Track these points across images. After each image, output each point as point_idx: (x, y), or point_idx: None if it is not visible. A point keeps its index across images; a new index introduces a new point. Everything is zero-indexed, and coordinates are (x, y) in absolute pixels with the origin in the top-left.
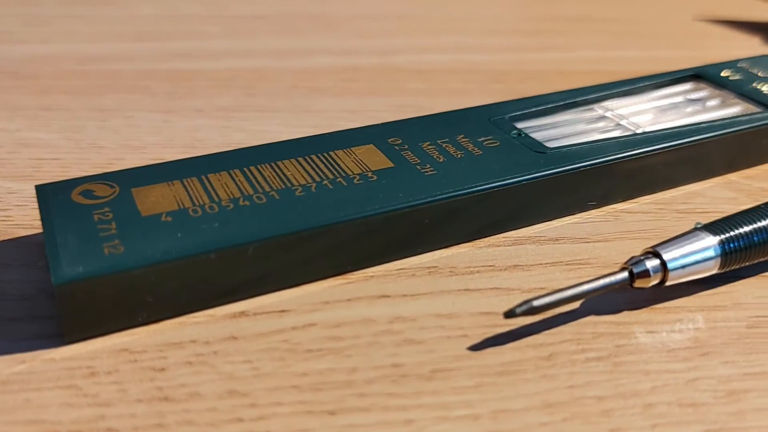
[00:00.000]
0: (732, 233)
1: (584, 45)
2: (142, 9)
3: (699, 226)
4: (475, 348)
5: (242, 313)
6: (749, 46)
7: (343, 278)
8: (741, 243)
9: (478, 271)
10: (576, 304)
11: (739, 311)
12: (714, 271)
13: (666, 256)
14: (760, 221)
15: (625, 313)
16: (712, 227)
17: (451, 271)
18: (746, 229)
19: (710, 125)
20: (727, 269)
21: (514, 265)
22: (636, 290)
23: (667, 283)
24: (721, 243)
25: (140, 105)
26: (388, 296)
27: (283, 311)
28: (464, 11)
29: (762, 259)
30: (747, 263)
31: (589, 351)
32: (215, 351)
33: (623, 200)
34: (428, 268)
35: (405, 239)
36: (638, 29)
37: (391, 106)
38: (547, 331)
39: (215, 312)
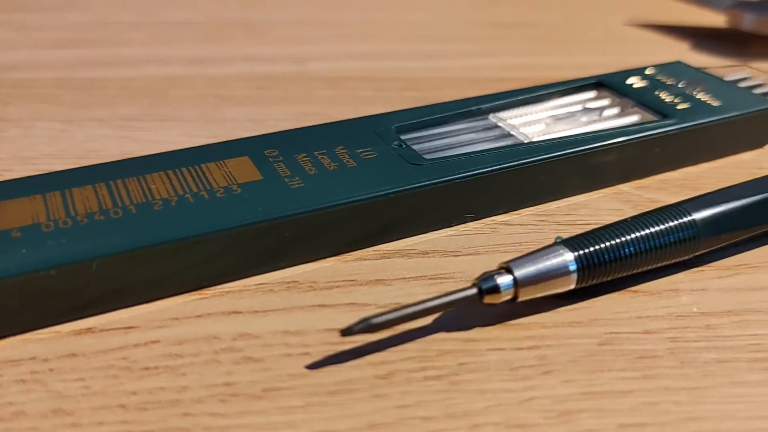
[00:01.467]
0: (590, 249)
1: (509, 51)
2: (68, 16)
3: (559, 240)
4: (313, 366)
5: (88, 330)
6: (676, 51)
7: (198, 294)
8: (598, 259)
9: (338, 286)
10: (428, 320)
11: (594, 327)
12: (571, 287)
13: (518, 272)
14: (620, 236)
15: (477, 329)
16: (571, 242)
17: (310, 286)
18: (605, 244)
19: (598, 135)
20: (586, 285)
21: (377, 280)
22: (490, 306)
23: (520, 299)
24: (578, 259)
25: (43, 114)
26: (240, 312)
27: (129, 328)
28: (391, 17)
29: (623, 275)
30: (607, 279)
31: (430, 369)
32: (51, 368)
33: (505, 212)
34: (288, 283)
35: (265, 254)
36: (568, 35)
37: (295, 115)
38: (392, 349)
39: (62, 328)
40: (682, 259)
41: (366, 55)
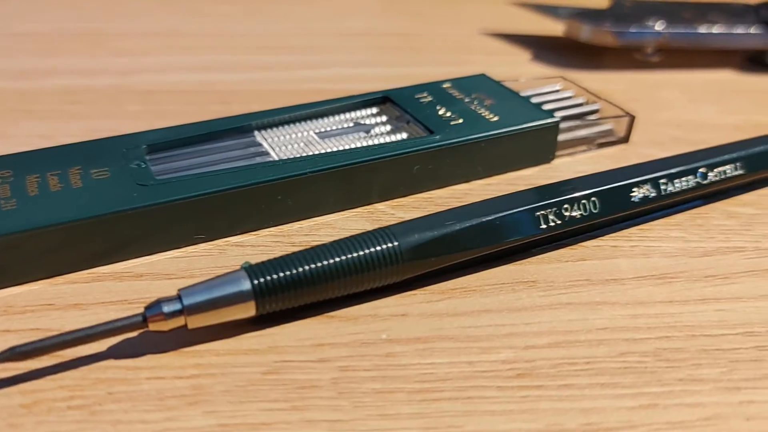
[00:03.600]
0: (272, 275)
1: (345, 62)
2: None
3: (245, 266)
4: None
5: None
6: (519, 60)
7: None
8: (279, 285)
9: (32, 311)
10: (101, 346)
11: (269, 355)
12: (252, 313)
13: (186, 300)
14: (310, 262)
15: (148, 357)
16: (256, 268)
17: (5, 311)
18: (291, 271)
19: (352, 152)
20: (273, 310)
21: (75, 304)
22: (162, 333)
23: (192, 327)
24: (257, 285)
25: None
26: None
27: None
28: (242, 28)
29: (316, 300)
30: (296, 304)
31: (77, 398)
32: None
33: (243, 232)
34: None
35: None
36: (418, 44)
37: (86, 131)
38: (51, 377)
39: None
40: (385, 283)
41: (192, 68)
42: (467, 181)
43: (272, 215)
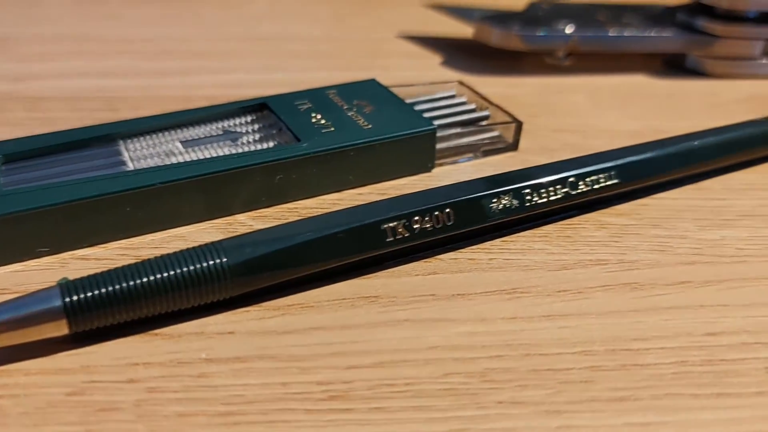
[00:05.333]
0: (85, 293)
1: (249, 67)
2: None
3: (62, 282)
4: None
5: None
6: (430, 64)
7: None
8: (93, 301)
9: None
10: None
11: (78, 375)
12: (65, 332)
13: None
14: (131, 278)
15: None
16: (71, 284)
17: None
18: (109, 288)
19: (209, 162)
20: (87, 328)
21: None
22: None
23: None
24: (69, 303)
25: None
26: None
27: None
28: (149, 32)
29: (135, 317)
30: (111, 322)
31: None
32: None
33: (91, 245)
34: None
35: None
36: (329, 48)
37: None
38: None
39: None
40: (212, 300)
41: (91, 74)
42: (338, 190)
43: (122, 227)
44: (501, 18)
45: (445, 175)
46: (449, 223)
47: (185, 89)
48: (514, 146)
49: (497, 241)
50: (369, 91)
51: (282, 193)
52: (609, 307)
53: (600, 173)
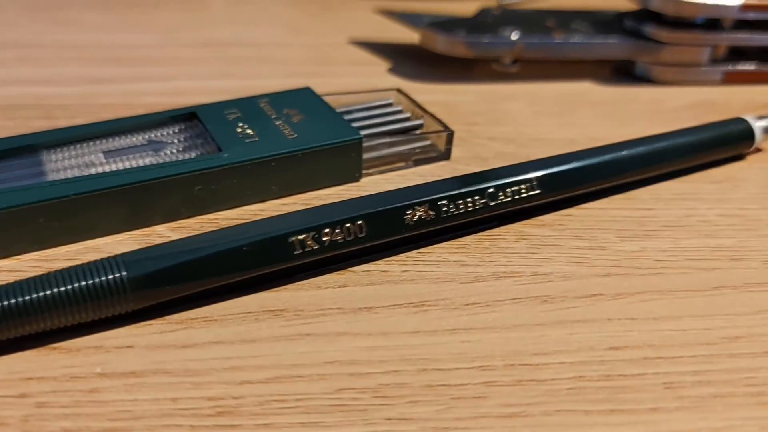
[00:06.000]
0: None
1: (194, 74)
2: None
3: None
4: None
5: None
6: (377, 71)
7: None
8: None
9: None
10: None
11: None
12: None
13: None
14: (16, 295)
15: None
16: None
17: None
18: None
19: (125, 173)
20: None
21: None
22: None
23: None
24: None
25: None
26: None
27: None
28: (98, 38)
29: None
30: (6, 336)
31: None
32: None
33: (6, 257)
34: None
35: None
36: (278, 55)
37: None
38: None
39: None
40: (112, 314)
41: (33, 81)
42: (261, 201)
43: (36, 239)
44: (447, 24)
45: (373, 184)
46: (361, 236)
47: (127, 97)
48: (446, 155)
49: (413, 253)
50: (302, 100)
51: (203, 205)
52: (515, 320)
53: (521, 184)
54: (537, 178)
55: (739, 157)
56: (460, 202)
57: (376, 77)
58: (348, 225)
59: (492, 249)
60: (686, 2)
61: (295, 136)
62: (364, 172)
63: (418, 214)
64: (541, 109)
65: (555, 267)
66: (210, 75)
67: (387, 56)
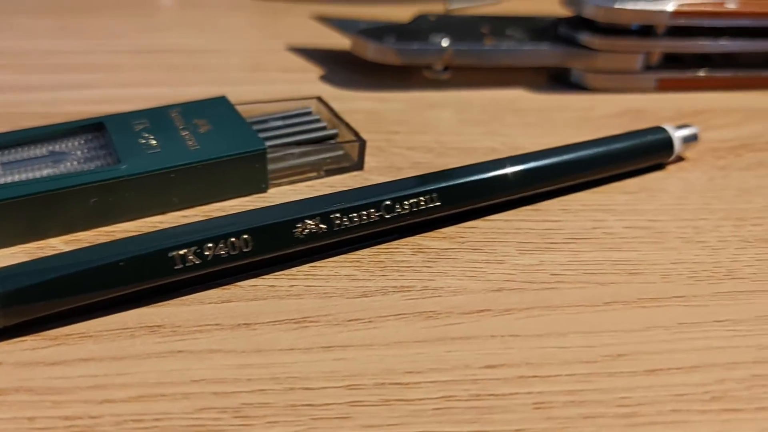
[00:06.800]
0: None
1: (122, 81)
2: None
3: None
4: None
5: None
6: (308, 78)
7: None
8: None
9: None
10: None
11: None
12: None
13: None
14: None
15: None
16: None
17: None
18: None
19: (17, 186)
20: None
21: None
22: None
23: None
24: None
25: None
26: None
27: None
28: (34, 44)
29: None
30: None
31: None
32: None
33: None
34: None
35: None
36: (212, 62)
37: None
38: None
39: None
40: None
41: None
42: (162, 212)
43: None
44: (378, 31)
45: (280, 195)
46: (246, 250)
47: (49, 106)
48: (359, 165)
49: (306, 267)
50: (214, 110)
51: (100, 217)
52: (395, 337)
53: (420, 196)
54: (437, 189)
55: (659, 167)
56: (354, 215)
57: (308, 84)
58: (233, 239)
59: (387, 262)
60: (618, 9)
61: (198, 147)
62: (273, 182)
63: (309, 227)
64: (467, 117)
65: (447, 281)
66: (139, 83)
67: (321, 63)
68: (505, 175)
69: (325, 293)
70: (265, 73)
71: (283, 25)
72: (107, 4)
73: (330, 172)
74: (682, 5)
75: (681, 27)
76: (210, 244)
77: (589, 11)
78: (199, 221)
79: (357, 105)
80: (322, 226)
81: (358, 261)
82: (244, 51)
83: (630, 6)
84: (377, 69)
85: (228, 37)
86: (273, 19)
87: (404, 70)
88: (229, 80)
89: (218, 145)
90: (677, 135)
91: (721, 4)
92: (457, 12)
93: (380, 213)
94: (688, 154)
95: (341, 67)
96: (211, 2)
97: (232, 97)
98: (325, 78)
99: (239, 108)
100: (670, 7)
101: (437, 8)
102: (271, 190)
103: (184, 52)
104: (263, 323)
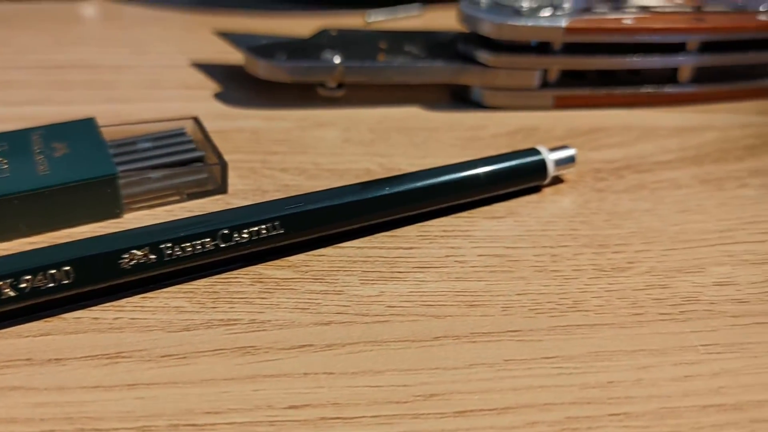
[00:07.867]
0: None
1: (16, 99)
2: None
3: None
4: None
5: None
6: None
7: None
8: None
9: None
10: None
11: None
12: None
13: None
14: None
15: None
16: None
17: None
18: None
19: None
20: None
21: None
22: None
23: None
24: None
25: None
26: None
27: None
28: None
29: None
30: None
31: None
32: None
33: None
34: None
35: None
36: (111, 78)
37: None
38: None
39: None
40: None
41: None
42: (8, 240)
43: None
44: (271, 48)
45: (136, 220)
46: (67, 282)
47: None
48: (222, 189)
49: (137, 298)
50: (77, 132)
51: None
52: (206, 374)
53: (260, 224)
54: (279, 218)
55: (536, 189)
56: (187, 244)
57: (201, 102)
58: (53, 271)
59: (221, 293)
60: (512, 25)
61: (48, 172)
62: (131, 206)
63: (137, 258)
64: (353, 136)
65: (277, 314)
66: (27, 101)
67: (219, 80)
68: (355, 203)
69: (147, 326)
70: (161, 90)
71: (194, 39)
72: (28, 16)
73: (192, 196)
74: (576, 21)
75: (577, 44)
76: (28, 277)
77: (485, 28)
78: (19, 252)
79: (243, 124)
80: (151, 256)
81: (192, 292)
82: (148, 67)
83: (523, 23)
84: (272, 86)
85: (138, 52)
86: (189, 33)
87: (299, 88)
88: (123, 97)
89: (68, 170)
90: (551, 157)
91: (619, 20)
92: (364, 27)
93: (216, 242)
94: (569, 175)
95: (237, 84)
96: (134, 14)
97: (122, 116)
98: (219, 95)
99: (112, 129)
100: (563, 24)
101: (351, 22)
102: (128, 215)
103: (89, 68)
104: (75, 358)
